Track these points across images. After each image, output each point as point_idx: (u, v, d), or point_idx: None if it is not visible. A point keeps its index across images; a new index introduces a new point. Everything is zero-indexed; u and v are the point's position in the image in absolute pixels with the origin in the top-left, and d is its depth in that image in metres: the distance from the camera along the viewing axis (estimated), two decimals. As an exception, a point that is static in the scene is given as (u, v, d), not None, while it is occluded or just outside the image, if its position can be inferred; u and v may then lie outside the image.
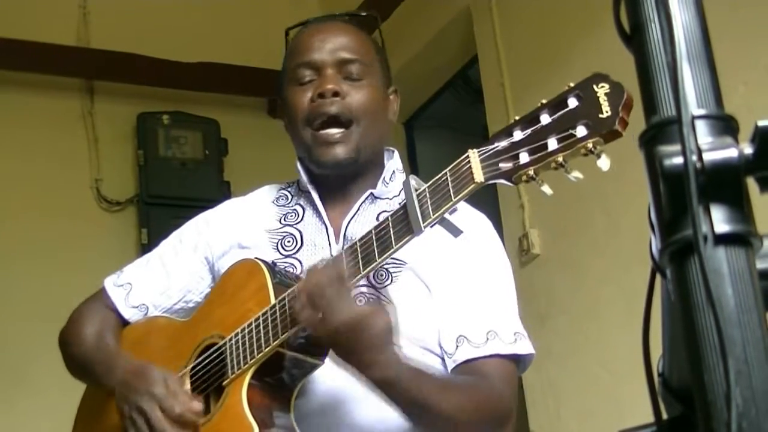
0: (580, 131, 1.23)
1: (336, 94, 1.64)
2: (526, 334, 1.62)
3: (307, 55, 1.68)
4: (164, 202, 4.25)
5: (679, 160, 0.67)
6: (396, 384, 1.40)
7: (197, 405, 1.54)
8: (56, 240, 4.04)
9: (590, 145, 1.22)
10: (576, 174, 1.25)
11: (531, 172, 1.28)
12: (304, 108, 1.65)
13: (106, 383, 1.66)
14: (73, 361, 1.78)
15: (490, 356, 1.55)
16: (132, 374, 1.60)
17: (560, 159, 1.25)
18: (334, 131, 1.64)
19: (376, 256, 1.40)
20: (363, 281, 1.51)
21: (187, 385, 1.60)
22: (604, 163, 1.22)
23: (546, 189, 1.28)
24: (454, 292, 1.60)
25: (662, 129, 0.70)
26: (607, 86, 1.22)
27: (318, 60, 1.67)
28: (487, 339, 1.56)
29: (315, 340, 1.43)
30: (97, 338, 1.74)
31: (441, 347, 1.58)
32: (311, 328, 1.39)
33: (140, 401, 1.54)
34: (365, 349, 1.37)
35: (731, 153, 0.67)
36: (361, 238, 1.44)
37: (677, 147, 0.67)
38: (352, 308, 1.36)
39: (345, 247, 1.47)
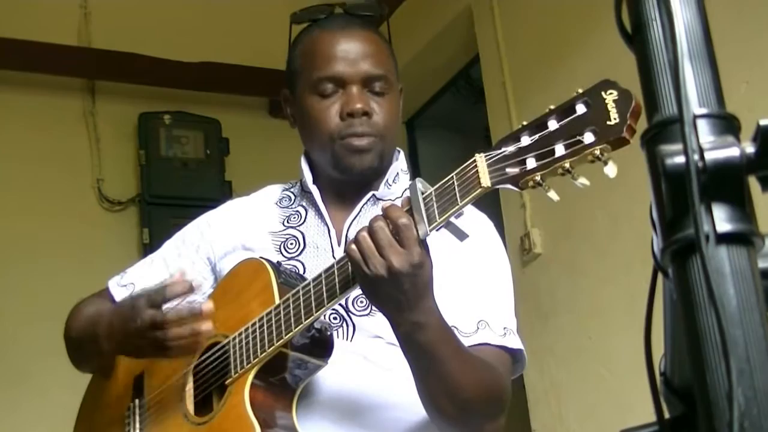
0: (588, 138, 1.23)
1: (365, 113, 1.64)
2: (517, 333, 1.62)
3: (331, 68, 1.66)
4: (166, 201, 4.25)
5: (680, 160, 0.67)
6: (426, 330, 1.39)
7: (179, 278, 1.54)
8: (58, 240, 4.04)
9: (597, 152, 1.22)
10: (583, 180, 1.25)
11: (538, 178, 1.28)
12: (330, 125, 1.65)
13: (104, 350, 1.66)
14: (72, 346, 1.78)
15: (480, 345, 1.55)
16: (115, 318, 1.60)
17: (567, 165, 1.25)
18: (365, 140, 1.64)
19: None
20: None
21: (191, 383, 1.60)
22: (611, 170, 1.22)
23: (553, 195, 1.28)
24: (449, 285, 1.60)
25: (664, 128, 0.70)
26: (615, 93, 1.22)
27: (343, 75, 1.65)
28: (477, 328, 1.57)
29: (365, 287, 1.39)
30: (92, 319, 1.73)
31: None
32: (374, 271, 1.35)
33: (133, 326, 1.54)
34: (417, 291, 1.37)
35: (733, 152, 0.67)
36: None
37: (679, 146, 0.67)
38: (416, 250, 1.35)
39: None
